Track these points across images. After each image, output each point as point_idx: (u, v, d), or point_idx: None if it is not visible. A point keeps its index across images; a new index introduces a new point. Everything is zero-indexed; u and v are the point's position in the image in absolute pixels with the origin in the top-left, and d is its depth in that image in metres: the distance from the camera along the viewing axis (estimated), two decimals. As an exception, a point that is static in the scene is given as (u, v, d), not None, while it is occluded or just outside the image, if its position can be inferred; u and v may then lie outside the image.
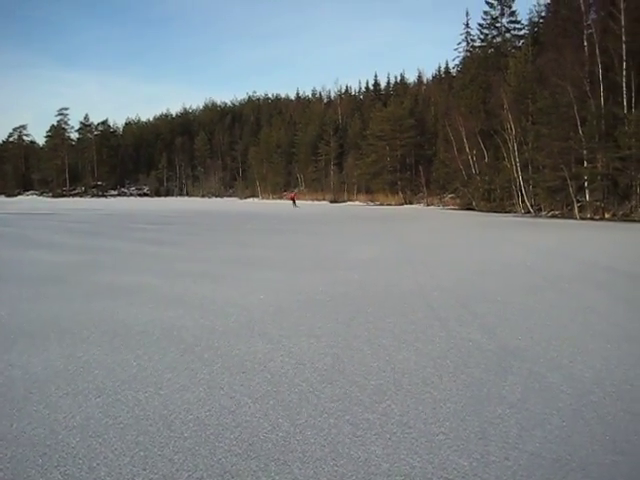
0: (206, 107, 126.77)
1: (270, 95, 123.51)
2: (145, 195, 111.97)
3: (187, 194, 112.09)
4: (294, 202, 60.18)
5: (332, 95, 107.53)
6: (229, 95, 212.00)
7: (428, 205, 60.52)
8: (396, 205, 63.20)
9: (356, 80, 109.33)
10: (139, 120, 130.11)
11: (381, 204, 64.92)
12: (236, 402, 4.55)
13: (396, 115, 67.60)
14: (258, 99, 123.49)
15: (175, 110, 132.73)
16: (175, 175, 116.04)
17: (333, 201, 77.08)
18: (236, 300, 8.64)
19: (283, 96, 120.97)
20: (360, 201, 72.65)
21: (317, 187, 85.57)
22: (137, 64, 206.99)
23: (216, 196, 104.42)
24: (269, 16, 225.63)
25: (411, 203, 64.63)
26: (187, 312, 7.80)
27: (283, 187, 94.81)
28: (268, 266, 12.70)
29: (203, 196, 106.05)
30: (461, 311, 7.90)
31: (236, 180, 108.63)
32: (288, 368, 5.40)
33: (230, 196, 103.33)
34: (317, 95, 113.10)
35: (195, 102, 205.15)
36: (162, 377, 5.13)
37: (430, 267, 12.83)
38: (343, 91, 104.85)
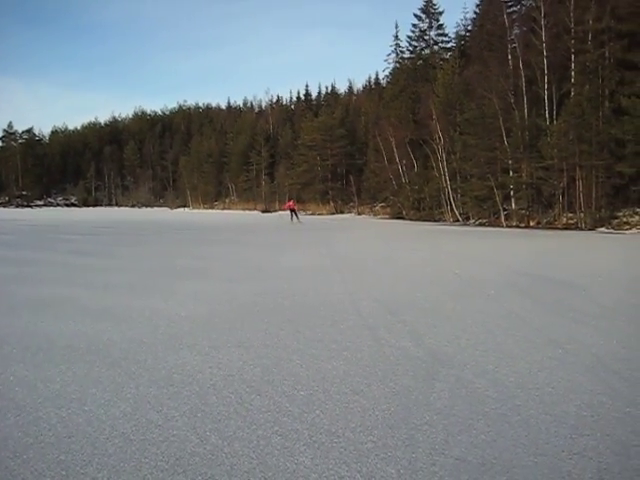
0: (136, 116, 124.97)
1: (201, 104, 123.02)
2: (73, 205, 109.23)
3: (116, 204, 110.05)
4: (294, 214, 41.82)
5: (263, 105, 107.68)
6: (159, 104, 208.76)
7: (359, 214, 61.00)
8: (327, 214, 63.50)
9: (287, 90, 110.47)
10: (66, 128, 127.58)
11: (312, 213, 65.07)
12: (163, 416, 4.47)
13: (327, 125, 68.06)
14: (189, 108, 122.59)
15: (104, 119, 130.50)
16: (104, 185, 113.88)
17: (265, 211, 76.89)
18: (165, 312, 8.51)
19: (214, 105, 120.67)
20: (292, 210, 72.67)
21: (248, 197, 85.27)
22: (65, 71, 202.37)
23: (146, 206, 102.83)
24: (200, 25, 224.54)
25: (342, 212, 65.05)
26: (114, 325, 7.63)
27: (214, 197, 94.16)
28: (198, 276, 12.55)
29: (133, 206, 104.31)
30: (390, 319, 7.97)
31: (166, 190, 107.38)
32: (217, 380, 5.34)
33: (160, 206, 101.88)
34: (248, 105, 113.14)
35: (125, 111, 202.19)
36: (86, 393, 5.00)
37: (360, 276, 12.92)
38: (274, 101, 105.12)
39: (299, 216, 41.40)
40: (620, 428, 4.26)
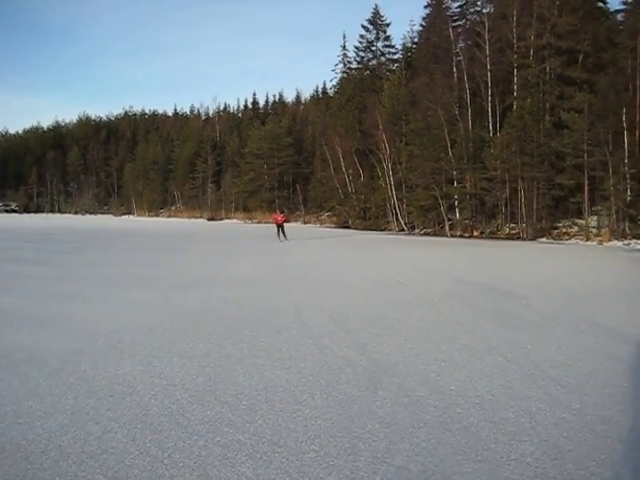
0: (80, 121, 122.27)
1: (147, 110, 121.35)
2: (13, 211, 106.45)
3: (59, 211, 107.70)
4: (281, 229, 31.21)
5: (211, 112, 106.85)
6: (105, 109, 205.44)
7: (305, 223, 61.00)
8: (274, 223, 63.29)
9: (235, 98, 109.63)
10: (7, 133, 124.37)
11: (259, 222, 64.84)
12: (102, 428, 4.39)
13: (274, 133, 67.96)
14: (135, 114, 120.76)
15: (47, 123, 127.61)
16: (46, 191, 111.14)
17: (211, 219, 76.33)
18: (106, 321, 8.36)
19: (160, 112, 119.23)
20: (238, 219, 72.27)
21: (194, 205, 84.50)
22: (6, 74, 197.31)
23: (90, 213, 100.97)
24: (148, 31, 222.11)
25: (289, 221, 64.93)
26: (53, 334, 7.47)
27: (160, 204, 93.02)
28: (141, 285, 12.38)
29: (76, 213, 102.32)
30: (334, 328, 7.99)
31: (111, 197, 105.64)
32: (158, 390, 5.27)
33: (104, 213, 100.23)
34: (195, 112, 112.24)
35: (69, 116, 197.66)
36: (22, 405, 4.87)
37: (305, 285, 12.93)
38: (222, 108, 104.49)
39: (286, 234, 30.95)
40: (556, 433, 4.36)
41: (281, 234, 30.81)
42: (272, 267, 16.72)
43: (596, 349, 6.96)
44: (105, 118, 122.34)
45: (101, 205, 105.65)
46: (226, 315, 8.94)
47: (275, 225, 32.52)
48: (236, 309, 9.51)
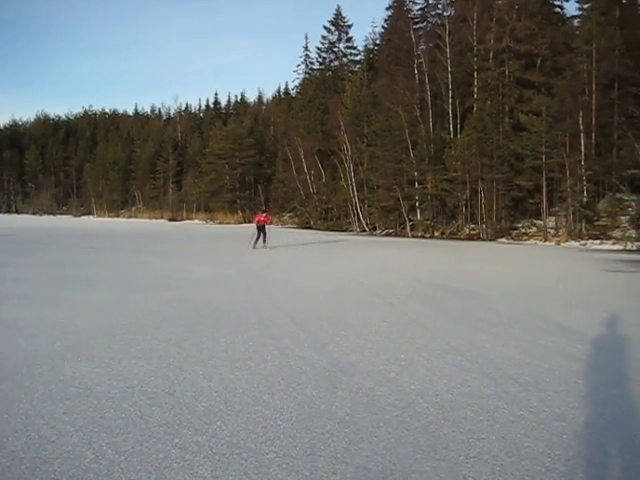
0: (38, 120, 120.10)
1: (107, 110, 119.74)
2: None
3: (16, 211, 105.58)
4: (261, 232, 25.16)
5: (172, 112, 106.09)
6: (64, 109, 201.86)
7: (268, 224, 60.76)
8: (236, 224, 63.03)
9: (197, 98, 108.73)
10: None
11: (220, 223, 64.50)
12: (57, 431, 4.31)
13: (236, 134, 67.63)
14: (95, 114, 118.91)
15: (3, 122, 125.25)
16: (2, 191, 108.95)
17: (172, 219, 75.62)
18: (63, 323, 8.23)
19: (121, 112, 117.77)
20: (199, 220, 71.74)
21: (155, 205, 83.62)
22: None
23: (48, 213, 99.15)
24: (108, 29, 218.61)
25: (250, 222, 64.33)
26: (7, 337, 7.32)
27: (120, 205, 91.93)
28: (100, 286, 12.21)
29: (34, 213, 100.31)
30: (294, 328, 7.98)
31: (70, 197, 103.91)
32: (116, 392, 5.19)
33: (64, 213, 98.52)
34: (156, 112, 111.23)
35: (26, 114, 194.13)
36: (-25, 409, 4.76)
37: (266, 285, 12.89)
38: (183, 108, 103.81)
39: (267, 239, 24.90)
40: (514, 430, 4.42)
41: (260, 239, 24.48)
42: (233, 268, 16.62)
43: (553, 348, 7.07)
44: (64, 117, 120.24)
45: (60, 205, 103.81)
46: (186, 316, 8.86)
47: (255, 227, 25.24)
48: (196, 310, 9.43)
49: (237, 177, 67.05)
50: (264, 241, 24.40)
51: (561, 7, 40.53)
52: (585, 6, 35.26)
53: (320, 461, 3.87)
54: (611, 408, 4.98)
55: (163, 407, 4.85)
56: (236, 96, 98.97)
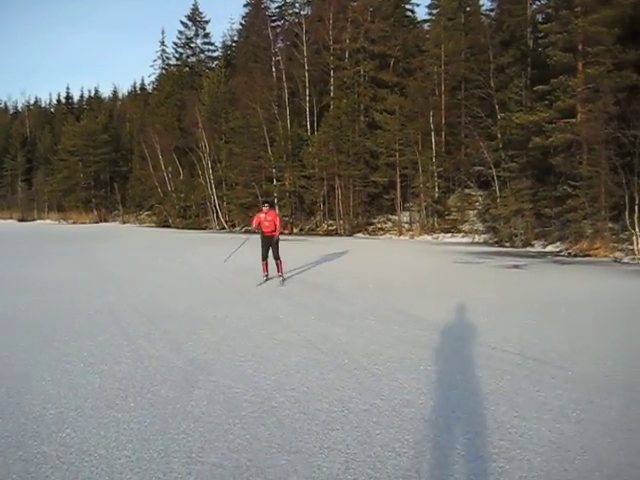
0: None
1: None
2: None
3: None
4: (269, 247, 12.76)
5: (19, 106, 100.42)
6: None
7: (124, 223, 59.10)
8: (91, 223, 60.79)
9: (47, 92, 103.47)
10: None
11: (75, 222, 61.99)
12: None
13: (89, 130, 65.05)
14: None
15: None
16: None
17: (22, 220, 71.83)
18: None
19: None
20: (52, 219, 68.60)
21: (3, 204, 79.07)
22: None
23: None
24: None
25: (107, 221, 62.59)
26: None
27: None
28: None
29: None
30: (150, 328, 7.82)
31: None
32: (-48, 404, 4.87)
33: None
34: (2, 105, 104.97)
35: None
36: None
37: (121, 286, 12.54)
38: (32, 102, 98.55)
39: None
40: (366, 419, 4.56)
41: (272, 261, 13.02)
42: (86, 269, 16.00)
43: (405, 337, 7.34)
44: None
45: None
46: (36, 321, 8.43)
47: (260, 238, 13.30)
48: (46, 314, 9.01)
49: (92, 175, 64.54)
50: (278, 269, 12.96)
51: (412, 11, 42.41)
52: (434, 11, 37.03)
53: (175, 462, 3.82)
54: (457, 392, 5.24)
55: (6, 418, 4.60)
56: (89, 91, 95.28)
